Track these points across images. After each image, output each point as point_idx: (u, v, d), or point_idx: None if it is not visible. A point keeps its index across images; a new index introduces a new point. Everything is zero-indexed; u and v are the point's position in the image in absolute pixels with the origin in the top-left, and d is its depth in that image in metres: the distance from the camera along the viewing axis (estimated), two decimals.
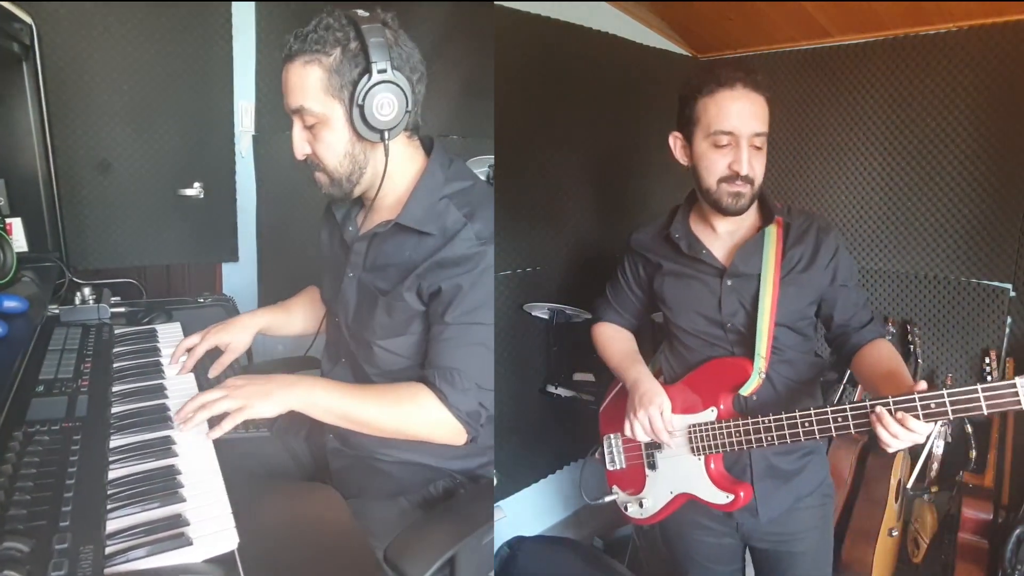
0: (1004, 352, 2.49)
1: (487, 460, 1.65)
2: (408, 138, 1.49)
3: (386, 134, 1.39)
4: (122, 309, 1.98)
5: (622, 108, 2.91)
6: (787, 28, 2.69)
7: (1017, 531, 2.16)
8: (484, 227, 1.43)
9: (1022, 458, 2.40)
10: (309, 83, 1.36)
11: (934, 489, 2.54)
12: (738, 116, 1.46)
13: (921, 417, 1.26)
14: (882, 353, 1.54)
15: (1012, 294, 2.44)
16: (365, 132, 1.39)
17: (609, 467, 1.84)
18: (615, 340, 1.85)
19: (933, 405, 1.26)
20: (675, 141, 1.58)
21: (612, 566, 2.54)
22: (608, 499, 1.85)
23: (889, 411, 1.28)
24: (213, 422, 1.31)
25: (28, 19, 2.06)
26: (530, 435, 2.82)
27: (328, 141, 1.41)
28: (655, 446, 1.70)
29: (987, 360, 2.49)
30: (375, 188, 1.49)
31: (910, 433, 1.27)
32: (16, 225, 2.05)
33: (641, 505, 1.76)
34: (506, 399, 2.70)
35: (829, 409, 1.39)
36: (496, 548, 2.44)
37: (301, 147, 1.44)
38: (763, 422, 1.49)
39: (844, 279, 1.59)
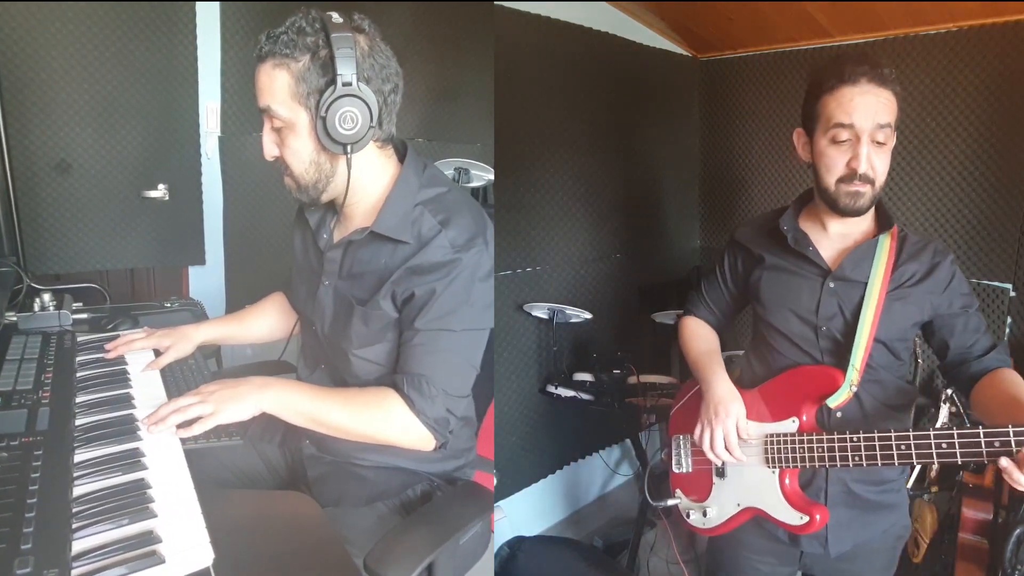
0: None
1: (464, 463, 1.59)
2: (380, 147, 1.41)
3: (349, 148, 1.31)
4: (84, 315, 1.83)
5: (622, 108, 2.87)
6: (787, 28, 2.65)
7: (1017, 531, 2.09)
8: (458, 234, 1.35)
9: None
10: (277, 87, 1.29)
11: (934, 489, 2.46)
12: (859, 109, 1.33)
13: None
14: (1005, 380, 1.35)
15: (1012, 294, 2.38)
16: (328, 144, 1.31)
17: (675, 469, 1.67)
18: (698, 337, 1.70)
19: None
20: (798, 138, 1.46)
21: (612, 566, 2.48)
22: (671, 503, 1.68)
23: (1010, 455, 1.11)
24: (184, 426, 1.26)
25: None
26: (530, 435, 2.76)
27: (294, 147, 1.33)
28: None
29: None
30: (343, 197, 1.41)
31: None
32: None
33: (705, 514, 1.59)
34: (506, 399, 2.64)
35: (932, 432, 1.21)
36: (496, 548, 2.37)
37: (270, 148, 1.36)
38: (851, 439, 1.32)
39: (964, 304, 1.43)
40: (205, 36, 2.69)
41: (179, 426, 1.24)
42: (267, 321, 1.79)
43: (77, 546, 0.92)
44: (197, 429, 1.23)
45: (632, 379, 2.57)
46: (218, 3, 2.70)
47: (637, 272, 3.01)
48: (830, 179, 1.38)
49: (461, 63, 3.19)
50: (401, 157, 1.45)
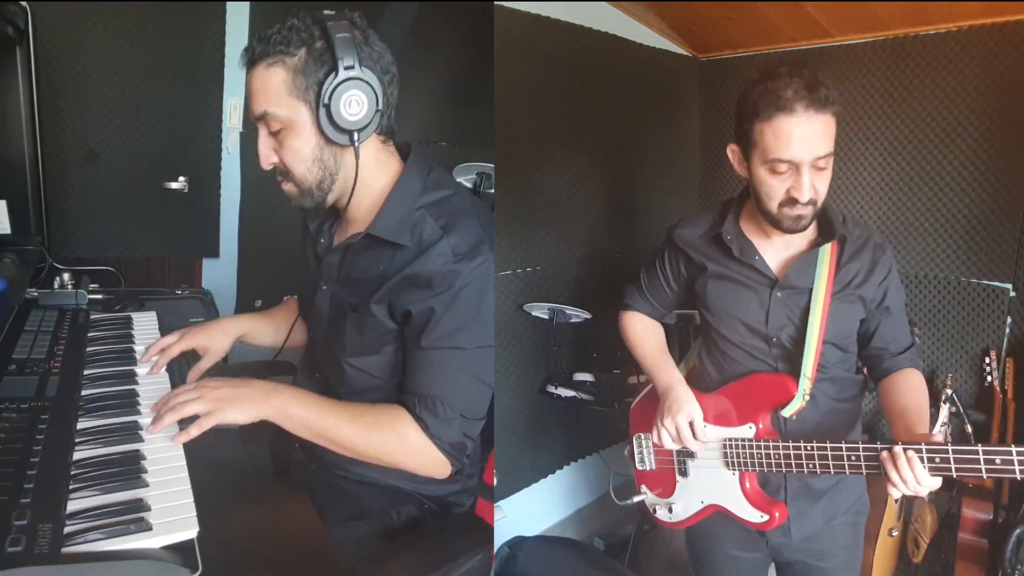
0: (1004, 352, 2.43)
1: (460, 488, 1.49)
2: (382, 143, 1.36)
3: (356, 135, 1.26)
4: (99, 296, 1.90)
5: (622, 108, 2.88)
6: (787, 28, 2.66)
7: (1017, 531, 2.11)
8: (461, 241, 1.27)
9: None
10: (273, 86, 1.24)
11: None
12: (798, 143, 1.26)
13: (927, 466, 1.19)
14: (908, 386, 1.43)
15: (1012, 294, 2.39)
16: (333, 134, 1.25)
17: (638, 466, 1.71)
18: (647, 335, 1.69)
19: (938, 459, 1.17)
20: (732, 155, 1.41)
21: (613, 566, 2.46)
22: (636, 499, 1.72)
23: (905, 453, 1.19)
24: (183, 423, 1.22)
25: (24, 2, 2.00)
26: (530, 435, 2.76)
27: (295, 148, 1.27)
28: (687, 453, 1.58)
29: (987, 360, 2.43)
30: (344, 195, 1.35)
31: (915, 482, 1.18)
32: (0, 207, 1.99)
33: (671, 510, 1.64)
34: (506, 399, 2.65)
35: (879, 445, 1.25)
36: (496, 548, 2.36)
37: (267, 156, 1.30)
38: (805, 448, 1.35)
39: (891, 302, 1.46)
40: (233, 33, 2.74)
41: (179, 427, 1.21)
42: (289, 324, 1.69)
43: (72, 506, 0.97)
44: (194, 432, 1.18)
45: (632, 379, 2.57)
46: (248, 2, 2.75)
47: (637, 272, 2.99)
48: (771, 204, 1.35)
49: (485, 66, 3.21)
50: (404, 157, 1.39)
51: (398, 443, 1.28)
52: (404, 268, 1.28)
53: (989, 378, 2.41)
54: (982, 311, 2.45)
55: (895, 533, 2.39)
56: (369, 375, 1.38)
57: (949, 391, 2.43)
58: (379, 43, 1.28)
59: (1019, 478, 1.12)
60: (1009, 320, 2.39)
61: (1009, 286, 2.38)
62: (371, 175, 1.34)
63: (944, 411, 2.39)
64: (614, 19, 2.79)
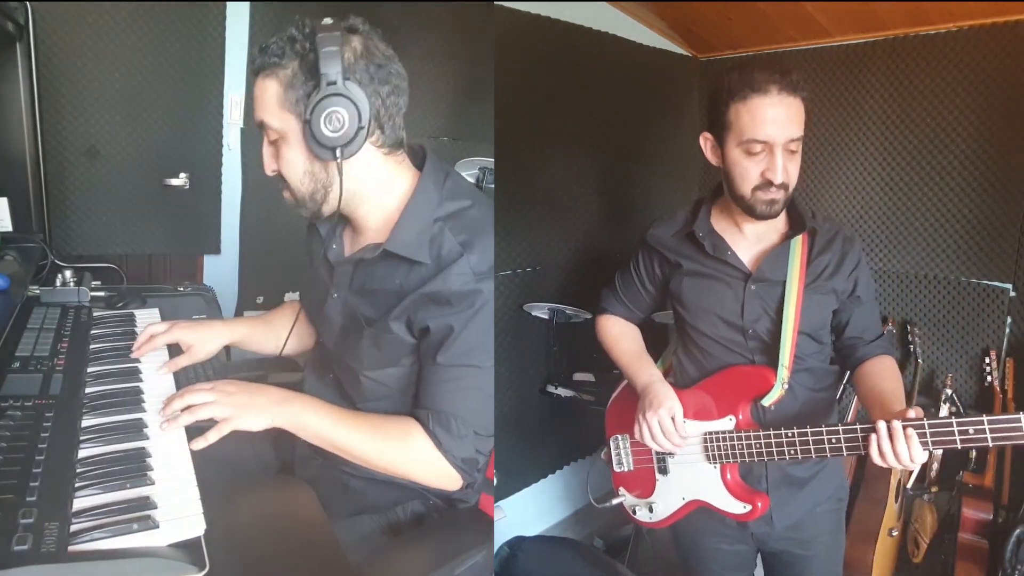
0: (1004, 352, 2.43)
1: (465, 484, 1.46)
2: (386, 155, 1.32)
3: (338, 152, 1.24)
4: (101, 293, 1.90)
5: (622, 108, 2.88)
6: (787, 28, 2.65)
7: (1017, 531, 2.12)
8: (481, 259, 1.27)
9: (1022, 458, 2.34)
10: (267, 97, 1.25)
11: (934, 489, 2.49)
12: (772, 123, 1.34)
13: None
14: (884, 371, 1.49)
15: (1012, 294, 2.39)
16: (316, 149, 1.24)
17: (616, 468, 1.73)
18: (624, 337, 1.74)
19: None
20: (705, 142, 1.47)
21: (613, 566, 2.46)
22: (615, 501, 1.75)
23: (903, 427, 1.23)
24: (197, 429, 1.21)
25: None
26: (530, 435, 2.76)
27: (288, 158, 1.29)
28: (668, 451, 1.60)
29: (987, 360, 2.43)
30: (351, 206, 1.34)
31: (908, 457, 1.22)
32: (2, 204, 2.00)
33: (651, 510, 1.66)
34: (506, 399, 2.65)
35: (858, 427, 1.29)
36: (496, 548, 2.35)
37: (269, 163, 1.33)
38: (786, 435, 1.39)
39: (862, 292, 1.52)
40: (233, 27, 2.73)
41: (192, 431, 1.20)
42: (293, 331, 1.68)
43: (78, 504, 0.97)
44: (212, 437, 1.18)
45: None
46: (248, 1, 2.74)
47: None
48: (745, 187, 1.40)
49: (486, 64, 3.21)
50: (420, 164, 1.36)
51: (410, 456, 1.29)
52: (423, 285, 1.27)
53: (989, 378, 2.41)
54: (982, 311, 2.45)
55: (895, 533, 2.40)
56: (385, 386, 1.38)
57: (949, 391, 2.45)
58: (382, 52, 1.26)
59: (991, 446, 1.19)
60: (1009, 320, 2.40)
61: (1009, 286, 2.38)
62: (379, 188, 1.33)
63: (944, 411, 2.40)
64: (614, 19, 2.79)
